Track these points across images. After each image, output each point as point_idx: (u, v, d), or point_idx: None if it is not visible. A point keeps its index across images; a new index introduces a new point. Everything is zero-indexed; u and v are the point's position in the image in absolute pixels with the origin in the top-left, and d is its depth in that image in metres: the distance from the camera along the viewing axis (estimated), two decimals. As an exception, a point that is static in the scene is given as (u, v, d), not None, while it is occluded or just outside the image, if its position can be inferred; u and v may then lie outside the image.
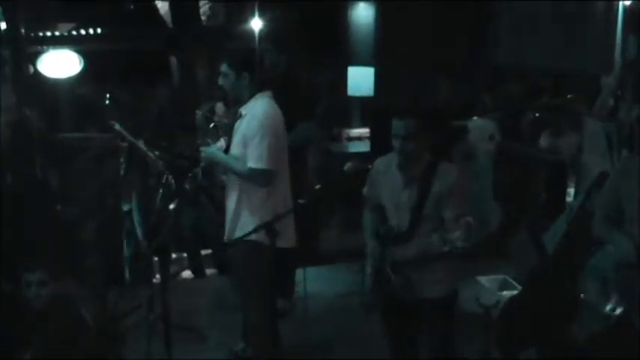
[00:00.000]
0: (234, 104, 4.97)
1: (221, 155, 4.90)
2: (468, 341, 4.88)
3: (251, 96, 4.83)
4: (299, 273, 6.20)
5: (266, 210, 4.72)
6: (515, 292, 5.78)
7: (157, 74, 7.96)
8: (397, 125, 4.04)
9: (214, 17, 9.64)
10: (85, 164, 6.59)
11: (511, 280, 6.13)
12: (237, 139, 4.82)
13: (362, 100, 9.44)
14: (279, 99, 4.98)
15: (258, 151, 4.67)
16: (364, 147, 8.75)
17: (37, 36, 7.97)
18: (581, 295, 4.16)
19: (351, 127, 9.64)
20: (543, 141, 7.18)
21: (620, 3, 7.64)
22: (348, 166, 4.88)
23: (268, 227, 4.42)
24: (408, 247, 4.03)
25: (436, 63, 8.38)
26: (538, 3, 8.34)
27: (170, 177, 5.75)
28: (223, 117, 5.99)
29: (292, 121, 5.40)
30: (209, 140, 5.08)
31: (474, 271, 6.10)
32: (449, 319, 4.26)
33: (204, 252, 7.56)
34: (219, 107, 6.36)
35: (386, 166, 4.25)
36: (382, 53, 9.21)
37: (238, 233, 4.77)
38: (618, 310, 3.91)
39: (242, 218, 4.80)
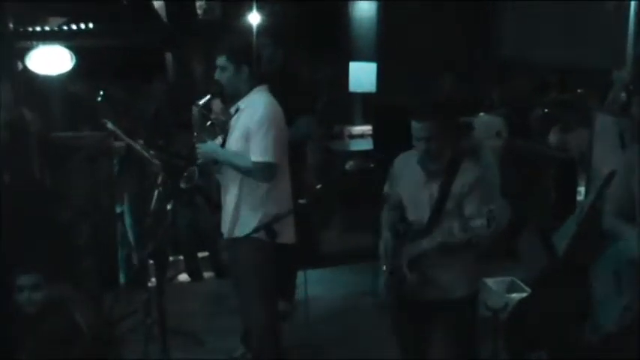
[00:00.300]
0: (232, 99, 4.99)
1: (221, 150, 4.92)
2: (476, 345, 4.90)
3: (249, 90, 4.86)
4: (299, 275, 6.21)
5: (268, 206, 4.78)
6: (523, 295, 5.80)
7: (151, 71, 7.94)
8: (418, 128, 4.08)
9: (211, 12, 9.62)
10: (78, 164, 6.60)
11: (519, 282, 6.14)
12: (236, 133, 4.86)
13: (364, 97, 9.47)
14: (278, 95, 5.01)
15: (263, 144, 4.72)
16: (366, 145, 8.77)
17: (26, 31, 7.96)
18: (594, 293, 4.18)
19: (353, 124, 9.67)
20: (552, 137, 7.22)
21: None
22: (349, 164, 4.89)
23: (268, 228, 4.48)
24: (425, 241, 4.04)
25: (440, 58, 8.40)
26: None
27: (166, 177, 5.77)
28: (220, 114, 6.00)
29: (291, 117, 5.42)
30: (205, 138, 5.07)
31: (482, 272, 6.11)
32: (468, 321, 4.27)
33: (201, 254, 7.58)
34: (217, 104, 6.35)
35: (406, 163, 4.30)
36: (385, 48, 9.23)
37: (239, 231, 4.81)
38: (633, 308, 3.92)
39: (243, 215, 4.83)
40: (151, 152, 6.09)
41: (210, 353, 5.74)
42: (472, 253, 4.13)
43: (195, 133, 5.05)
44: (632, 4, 6.03)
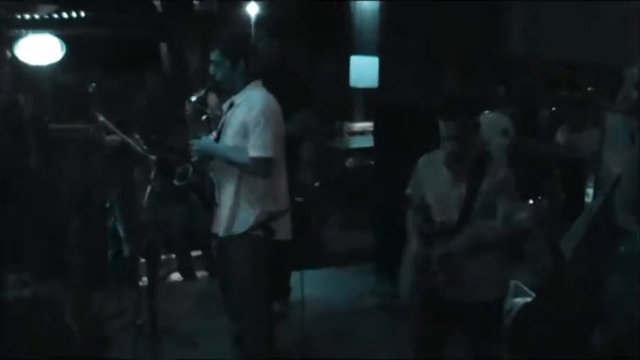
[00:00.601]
0: (226, 95, 5.04)
1: (217, 146, 4.95)
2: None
3: (244, 85, 4.91)
4: (296, 275, 6.22)
5: (266, 203, 4.83)
6: (528, 299, 5.81)
7: (145, 62, 7.97)
8: (446, 127, 4.14)
9: (207, 1, 9.65)
10: (68, 157, 6.61)
11: (523, 286, 6.15)
12: (232, 129, 4.90)
13: (365, 92, 9.47)
14: (275, 90, 5.04)
15: (261, 139, 4.77)
16: (367, 142, 8.77)
17: (14, 18, 7.95)
18: (605, 293, 4.21)
19: (354, 120, 9.67)
20: (560, 137, 7.23)
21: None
22: (349, 162, 4.89)
23: (265, 225, 4.52)
24: (460, 236, 4.11)
25: (446, 52, 8.40)
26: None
27: (160, 172, 5.78)
28: (216, 109, 6.01)
29: (288, 113, 5.45)
30: (200, 134, 5.09)
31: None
32: (493, 325, 4.36)
33: (194, 253, 7.60)
34: (212, 98, 6.37)
35: (431, 164, 4.38)
36: (388, 42, 9.22)
37: (237, 228, 4.85)
38: None
39: (241, 213, 4.87)
40: (144, 147, 6.10)
41: (203, 356, 5.74)
42: (500, 253, 4.22)
43: (189, 130, 5.07)
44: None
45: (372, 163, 7.68)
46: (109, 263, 7.02)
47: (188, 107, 5.04)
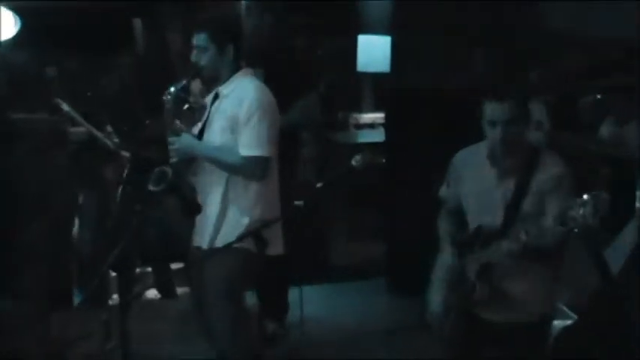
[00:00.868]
0: (211, 83, 5.05)
1: (201, 145, 4.96)
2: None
3: (232, 73, 4.93)
4: (295, 292, 6.23)
5: (257, 210, 4.86)
6: (569, 322, 5.80)
7: (117, 40, 7.96)
8: (496, 109, 4.11)
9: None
10: (26, 154, 6.58)
11: (563, 307, 6.15)
12: (219, 124, 4.92)
13: (375, 78, 9.47)
14: (269, 74, 5.04)
15: (255, 135, 4.78)
16: (377, 136, 8.79)
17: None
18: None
19: (361, 111, 9.68)
20: (605, 130, 7.21)
21: None
22: (356, 159, 4.86)
23: (256, 235, 4.50)
24: (506, 243, 4.07)
25: (469, 29, 8.40)
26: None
27: (134, 171, 5.78)
28: (200, 97, 6.01)
29: (284, 102, 5.45)
30: (181, 126, 5.08)
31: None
32: (539, 349, 4.35)
33: (174, 266, 7.59)
34: (196, 85, 6.36)
35: (471, 160, 4.38)
36: (401, 18, 9.23)
37: (223, 240, 4.83)
38: None
39: (228, 222, 4.88)
40: (116, 141, 6.09)
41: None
42: (552, 263, 4.20)
43: (168, 122, 5.05)
44: None
45: (384, 160, 7.66)
46: (74, 277, 7.00)
47: (168, 98, 5.03)
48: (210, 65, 4.91)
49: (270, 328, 6.35)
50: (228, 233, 4.82)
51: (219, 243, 4.88)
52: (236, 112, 4.83)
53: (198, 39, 4.90)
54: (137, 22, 8.70)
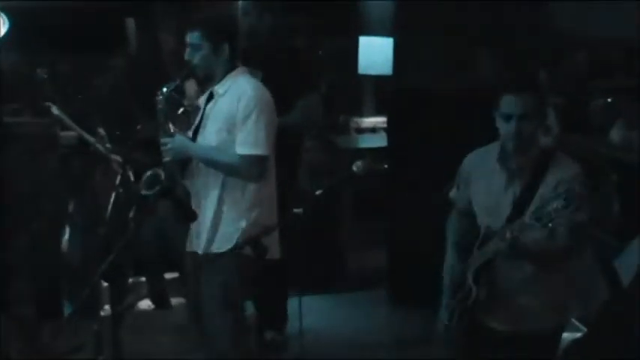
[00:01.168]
0: (206, 82, 5.06)
1: (195, 146, 4.95)
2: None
3: (227, 72, 4.94)
4: (294, 303, 6.19)
5: (254, 213, 4.88)
6: (578, 335, 5.76)
7: (109, 40, 7.95)
8: (513, 102, 4.10)
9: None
10: (14, 159, 6.56)
11: (573, 319, 6.10)
12: (215, 125, 4.92)
13: (377, 80, 9.44)
14: (268, 73, 5.02)
15: (253, 133, 4.79)
16: (379, 141, 8.76)
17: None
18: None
19: (362, 115, 9.65)
20: (615, 134, 7.18)
21: None
22: (357, 165, 4.85)
23: (255, 243, 4.47)
24: (493, 242, 4.07)
25: (475, 30, 8.38)
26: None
27: (127, 177, 5.75)
28: (195, 99, 5.99)
29: (282, 104, 5.43)
30: (175, 129, 5.05)
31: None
32: None
33: (168, 275, 7.56)
34: (191, 86, 6.34)
35: (481, 162, 4.37)
36: (403, 19, 9.21)
37: (220, 245, 4.86)
38: None
39: (224, 226, 4.89)
40: (108, 146, 6.05)
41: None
42: (558, 272, 4.20)
43: (161, 125, 5.03)
44: None
45: (385, 166, 7.64)
46: (64, 287, 6.96)
47: (160, 99, 5.01)
48: (203, 64, 4.92)
49: (269, 337, 6.34)
50: (225, 237, 4.86)
51: (216, 248, 4.90)
52: (233, 111, 4.84)
53: (192, 37, 4.91)
54: (130, 22, 8.69)
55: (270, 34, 6.41)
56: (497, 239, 4.02)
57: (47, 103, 6.27)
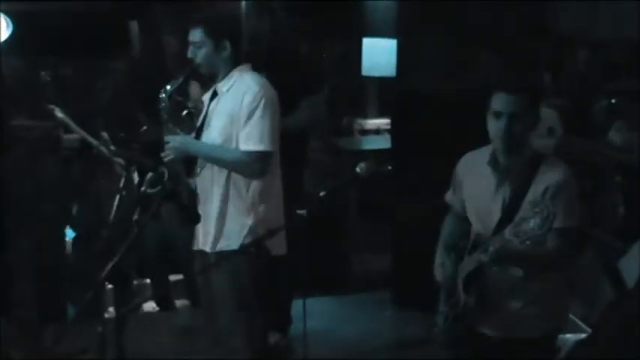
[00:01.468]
0: (209, 80, 5.13)
1: (198, 144, 5.00)
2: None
3: (230, 70, 4.97)
4: (298, 305, 6.22)
5: (259, 210, 4.92)
6: (582, 336, 5.79)
7: (112, 43, 7.97)
8: (504, 99, 4.06)
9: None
10: (17, 162, 6.59)
11: (576, 320, 6.13)
12: (219, 122, 4.96)
13: (380, 82, 9.46)
14: (272, 75, 5.06)
15: (257, 129, 4.83)
16: (383, 143, 8.78)
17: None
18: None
19: (366, 117, 9.67)
20: (614, 135, 7.20)
21: None
22: (361, 167, 4.87)
23: (258, 245, 4.52)
24: (480, 252, 4.01)
25: (478, 31, 8.39)
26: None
27: (131, 179, 5.77)
28: (199, 101, 6.02)
29: (287, 105, 5.47)
30: (179, 131, 5.09)
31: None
32: None
33: (173, 277, 7.55)
34: (195, 88, 6.36)
35: (473, 165, 4.34)
36: (407, 21, 9.22)
37: (226, 243, 4.91)
38: None
39: (230, 224, 4.93)
40: (112, 148, 6.08)
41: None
42: (557, 274, 4.18)
43: (165, 126, 5.06)
44: None
45: (389, 168, 7.66)
46: (66, 290, 7.00)
47: (163, 98, 5.04)
48: (206, 61, 4.96)
49: (273, 338, 6.36)
50: (231, 234, 4.91)
51: (223, 244, 4.94)
52: (237, 107, 4.88)
53: (194, 35, 4.95)
54: (133, 25, 8.74)
55: (272, 35, 6.45)
56: (480, 251, 3.98)
57: (50, 106, 6.30)
